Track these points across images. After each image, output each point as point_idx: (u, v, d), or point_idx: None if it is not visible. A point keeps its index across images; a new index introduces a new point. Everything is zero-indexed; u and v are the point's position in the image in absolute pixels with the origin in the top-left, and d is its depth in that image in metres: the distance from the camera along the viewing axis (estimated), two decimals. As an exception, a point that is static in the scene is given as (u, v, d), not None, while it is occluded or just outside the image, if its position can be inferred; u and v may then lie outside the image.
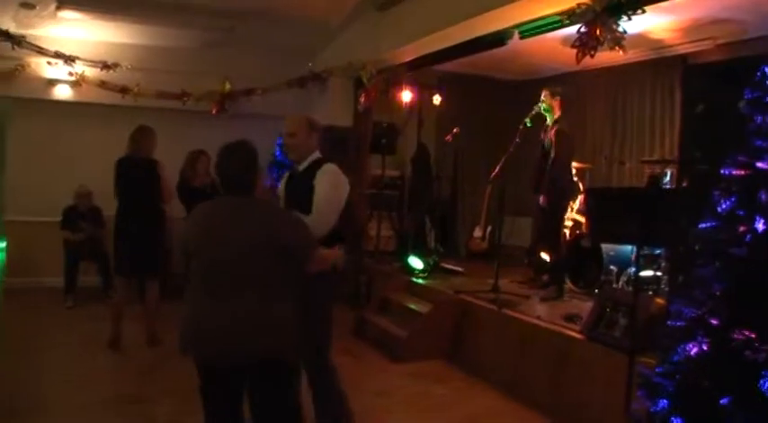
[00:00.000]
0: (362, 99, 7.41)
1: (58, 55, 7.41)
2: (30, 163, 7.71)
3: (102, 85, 7.81)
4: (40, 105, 7.89)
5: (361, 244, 7.43)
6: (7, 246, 7.78)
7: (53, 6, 6.85)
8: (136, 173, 5.50)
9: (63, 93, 7.91)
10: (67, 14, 7.17)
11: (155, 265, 5.64)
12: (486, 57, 6.73)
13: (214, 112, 8.16)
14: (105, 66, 7.73)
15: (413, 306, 6.00)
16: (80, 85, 7.81)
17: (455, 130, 7.27)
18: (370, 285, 7.13)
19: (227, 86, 8.11)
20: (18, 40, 7.12)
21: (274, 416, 2.74)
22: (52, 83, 7.84)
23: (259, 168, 2.79)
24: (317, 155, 3.46)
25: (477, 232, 8.13)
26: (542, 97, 5.86)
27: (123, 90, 7.83)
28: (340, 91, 7.97)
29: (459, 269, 6.99)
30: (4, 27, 6.94)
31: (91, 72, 7.78)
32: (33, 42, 7.23)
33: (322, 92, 8.24)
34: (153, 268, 5.63)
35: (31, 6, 6.80)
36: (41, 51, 7.34)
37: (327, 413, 3.46)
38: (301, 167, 3.46)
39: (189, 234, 2.78)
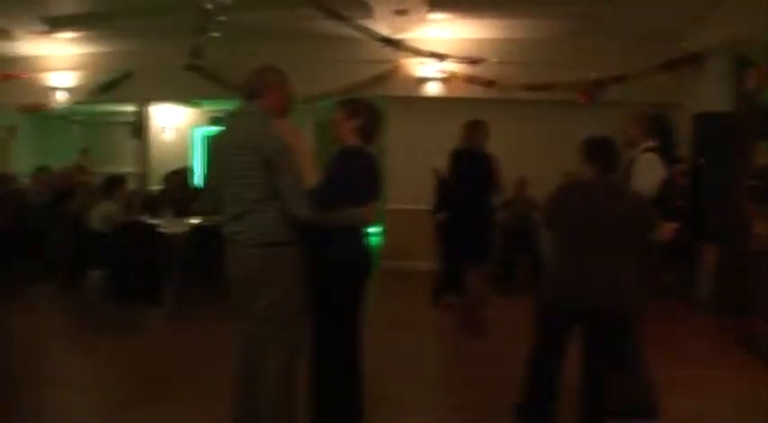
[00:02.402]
0: (752, 79, 6.52)
1: (432, 55, 7.92)
2: (403, 156, 8.40)
3: (470, 80, 8.14)
4: (411, 102, 8.54)
5: (743, 241, 6.56)
6: (385, 231, 8.60)
7: (424, 10, 7.31)
8: (474, 165, 5.58)
9: (433, 90, 8.43)
10: (436, 16, 7.61)
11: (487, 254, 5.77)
12: None
13: (582, 101, 7.94)
14: (472, 61, 8.05)
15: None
16: (449, 81, 8.26)
17: None
18: (756, 289, 6.25)
19: (593, 75, 7.83)
20: (397, 44, 7.78)
21: (607, 361, 3.36)
22: (423, 81, 8.42)
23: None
24: (647, 144, 3.74)
25: None
26: None
27: (489, 84, 8.05)
28: (718, 72, 7.13)
29: None
30: (382, 33, 7.64)
31: (458, 68, 8.18)
32: (408, 45, 7.86)
33: (695, 74, 7.50)
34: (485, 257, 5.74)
35: (404, 12, 7.35)
36: (417, 52, 7.93)
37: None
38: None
39: (566, 208, 3.41)
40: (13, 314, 5.92)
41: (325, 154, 3.44)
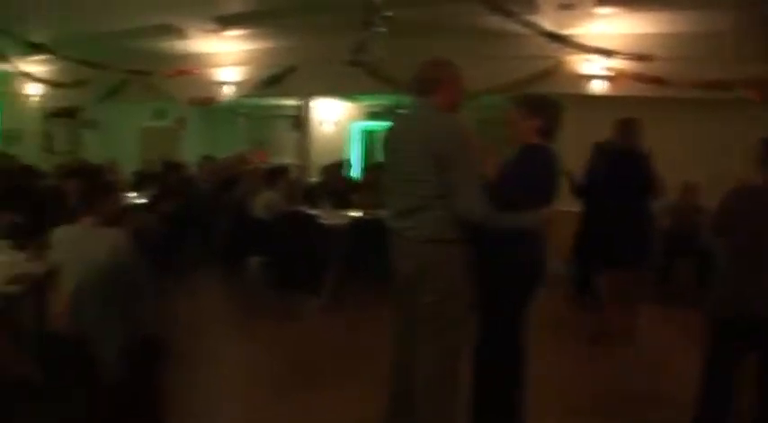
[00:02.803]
0: None
1: (598, 51, 7.56)
2: (563, 155, 8.08)
3: (638, 78, 7.68)
4: (574, 100, 8.19)
5: None
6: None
7: (591, 4, 6.98)
8: (630, 165, 5.26)
9: (598, 87, 8.06)
10: (604, 11, 7.24)
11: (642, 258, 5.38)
12: None
13: (758, 100, 7.26)
14: (640, 58, 7.59)
15: None
16: (615, 79, 7.85)
17: None
18: None
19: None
20: (563, 40, 7.49)
21: None
22: (588, 78, 8.05)
23: None
24: None
25: None
26: None
27: (657, 82, 7.56)
28: None
29: None
30: (546, 28, 7.37)
31: (625, 65, 7.75)
32: (572, 40, 7.54)
33: None
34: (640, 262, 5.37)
35: (569, 7, 7.04)
36: (583, 48, 7.60)
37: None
38: None
39: (738, 215, 3.20)
40: (179, 295, 6.28)
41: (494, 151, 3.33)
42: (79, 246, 3.56)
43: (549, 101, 3.41)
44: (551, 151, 3.30)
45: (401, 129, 3.17)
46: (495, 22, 7.26)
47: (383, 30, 6.83)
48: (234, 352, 5.10)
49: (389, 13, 6.66)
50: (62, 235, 3.71)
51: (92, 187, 3.84)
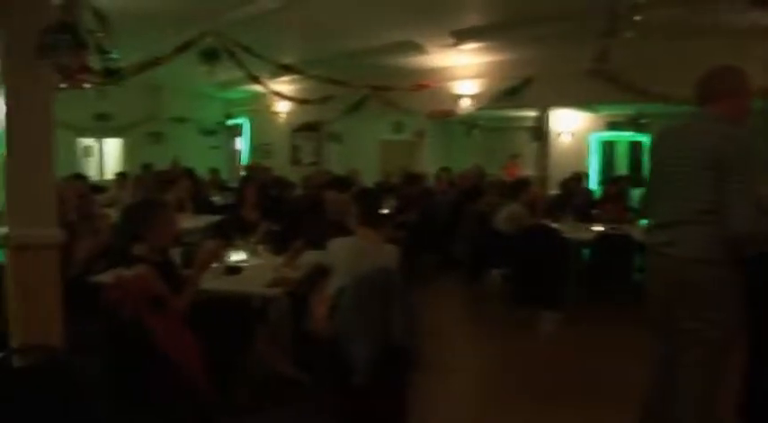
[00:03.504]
0: None
1: None
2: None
3: None
4: None
5: None
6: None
7: None
8: None
9: None
10: None
11: None
12: None
13: None
14: None
15: None
16: None
17: None
18: None
19: None
20: None
21: None
22: None
23: None
24: None
25: None
26: None
27: None
28: None
29: None
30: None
31: None
32: None
33: None
34: None
35: None
36: None
37: None
38: None
39: None
40: (420, 306, 6.49)
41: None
42: (356, 257, 3.78)
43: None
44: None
45: (675, 138, 2.95)
46: (756, 18, 6.60)
47: (630, 35, 6.50)
48: (469, 363, 5.16)
49: (638, 17, 6.32)
50: (339, 245, 3.93)
51: (368, 206, 4.05)
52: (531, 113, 10.40)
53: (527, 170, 10.39)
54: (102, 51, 2.27)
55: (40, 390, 2.52)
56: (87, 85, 2.35)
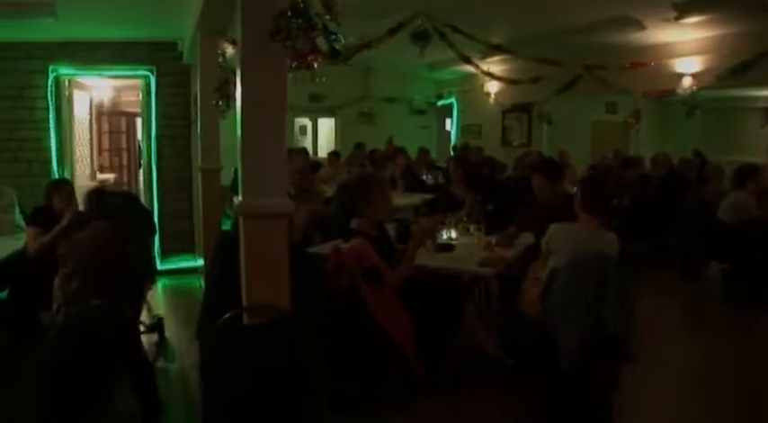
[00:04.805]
0: None
1: None
2: None
3: None
4: None
5: None
6: None
7: None
8: None
9: None
10: None
11: None
12: None
13: None
14: None
15: None
16: None
17: None
18: None
19: None
20: None
21: None
22: None
23: None
24: None
25: None
26: None
27: None
28: None
29: None
30: None
31: None
32: None
33: None
34: None
35: None
36: None
37: None
38: None
39: None
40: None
41: None
42: (574, 243, 3.75)
43: None
44: None
45: None
46: None
47: None
48: (679, 360, 4.93)
49: None
50: (558, 229, 3.93)
51: (592, 192, 3.91)
52: (764, 93, 9.41)
53: (754, 156, 9.43)
54: (329, 32, 2.44)
55: (268, 346, 2.79)
56: (314, 67, 2.51)
